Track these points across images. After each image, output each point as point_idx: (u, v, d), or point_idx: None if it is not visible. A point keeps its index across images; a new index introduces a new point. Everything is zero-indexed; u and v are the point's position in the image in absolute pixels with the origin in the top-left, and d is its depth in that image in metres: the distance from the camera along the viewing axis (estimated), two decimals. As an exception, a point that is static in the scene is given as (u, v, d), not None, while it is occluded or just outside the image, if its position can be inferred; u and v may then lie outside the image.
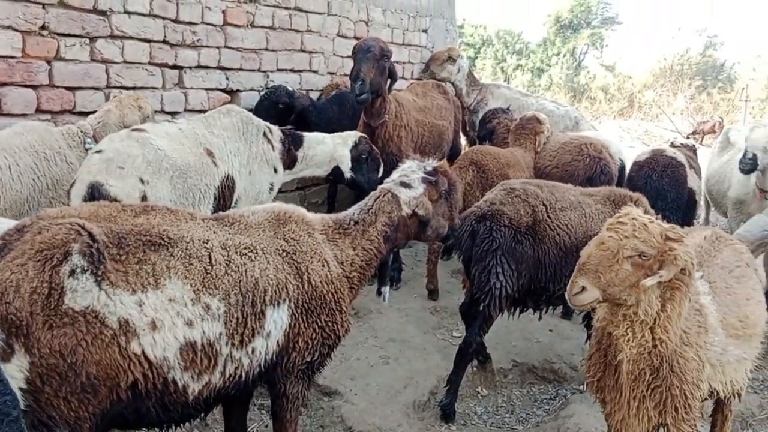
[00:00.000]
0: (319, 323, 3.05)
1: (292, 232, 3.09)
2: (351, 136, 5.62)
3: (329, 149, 5.50)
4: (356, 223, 3.33)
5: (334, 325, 3.12)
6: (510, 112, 7.83)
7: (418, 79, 8.95)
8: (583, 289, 2.90)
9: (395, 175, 3.58)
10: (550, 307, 4.94)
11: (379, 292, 6.17)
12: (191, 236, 2.78)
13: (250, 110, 6.02)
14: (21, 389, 2.31)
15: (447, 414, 4.69)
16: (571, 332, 6.05)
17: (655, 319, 2.97)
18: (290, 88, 6.69)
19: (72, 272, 2.42)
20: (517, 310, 4.88)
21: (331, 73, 7.84)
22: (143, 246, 2.64)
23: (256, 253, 2.91)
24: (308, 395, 4.72)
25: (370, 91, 5.68)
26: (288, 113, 6.50)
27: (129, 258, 2.58)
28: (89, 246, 2.48)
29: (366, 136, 5.76)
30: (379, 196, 3.43)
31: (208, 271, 2.73)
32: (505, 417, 4.97)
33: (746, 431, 4.79)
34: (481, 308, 4.52)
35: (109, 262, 2.51)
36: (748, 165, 5.82)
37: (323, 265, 3.09)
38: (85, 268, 2.44)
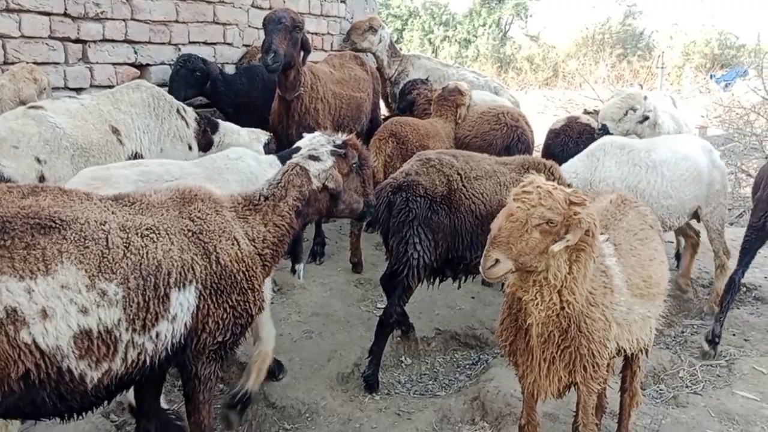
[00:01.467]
0: (230, 303, 2.97)
1: (199, 211, 2.97)
2: (263, 134, 5.59)
3: (244, 141, 5.41)
4: (266, 198, 3.25)
5: (246, 303, 3.04)
6: (429, 83, 7.83)
7: (337, 50, 8.83)
8: (497, 261, 2.92)
9: (303, 149, 3.51)
10: (470, 276, 4.98)
11: (293, 270, 6.12)
12: (86, 218, 2.64)
13: (162, 85, 5.83)
14: None
15: (370, 384, 4.71)
16: (492, 298, 6.15)
17: (562, 282, 3.01)
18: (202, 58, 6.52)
19: None
20: (437, 280, 4.91)
21: (247, 46, 7.65)
22: (31, 229, 2.49)
23: (159, 234, 2.79)
24: (225, 374, 4.68)
25: (282, 62, 5.56)
26: (204, 81, 6.34)
27: (15, 243, 2.43)
28: None
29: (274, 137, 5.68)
30: (287, 170, 3.35)
31: (105, 255, 2.60)
32: (429, 384, 5.03)
33: (658, 385, 4.98)
34: (399, 279, 4.52)
35: None
36: (600, 135, 6.07)
37: (233, 244, 3.00)
38: None
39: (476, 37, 32.34)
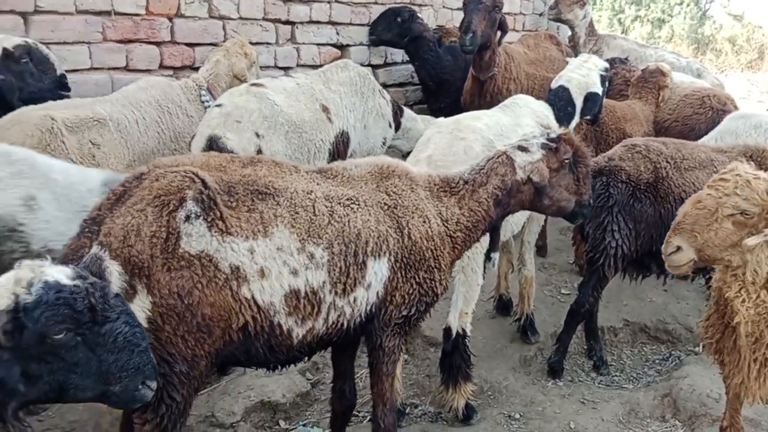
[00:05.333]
0: (417, 279, 3.04)
1: (395, 186, 3.06)
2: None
3: (421, 128, 5.51)
4: (465, 182, 3.23)
5: (432, 282, 3.09)
6: (629, 62, 7.46)
7: (530, 30, 8.69)
8: (678, 248, 2.78)
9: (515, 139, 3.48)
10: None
11: (488, 257, 6.13)
12: (296, 187, 2.84)
13: (360, 64, 6.07)
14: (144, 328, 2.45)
15: (555, 370, 4.67)
16: (687, 293, 5.82)
17: (766, 280, 2.81)
18: (416, 12, 6.69)
19: (187, 218, 2.53)
20: (640, 276, 4.69)
21: (440, 26, 7.73)
22: (251, 195, 2.71)
23: (359, 204, 2.93)
24: (410, 346, 4.84)
25: (479, 43, 5.58)
26: (403, 32, 6.51)
27: (239, 206, 2.66)
28: (201, 193, 2.57)
29: None
30: (493, 158, 3.29)
31: (313, 221, 2.77)
32: (615, 375, 4.88)
33: None
34: (595, 267, 4.41)
35: (222, 208, 2.60)
36: None
37: (424, 221, 3.06)
38: (198, 214, 2.54)
39: (671, 16, 30.29)
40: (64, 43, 4.72)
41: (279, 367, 2.96)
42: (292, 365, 3.05)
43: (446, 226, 3.15)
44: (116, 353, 2.01)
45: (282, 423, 4.08)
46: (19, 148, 3.39)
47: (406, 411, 4.20)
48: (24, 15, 4.60)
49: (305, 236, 2.73)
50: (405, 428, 4.08)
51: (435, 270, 3.09)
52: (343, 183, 3.01)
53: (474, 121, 4.10)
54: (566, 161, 3.32)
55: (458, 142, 3.88)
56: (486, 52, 5.83)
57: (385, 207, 3.00)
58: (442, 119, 4.18)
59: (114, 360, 2.01)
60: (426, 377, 4.54)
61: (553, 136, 3.35)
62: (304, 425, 4.04)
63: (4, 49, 4.15)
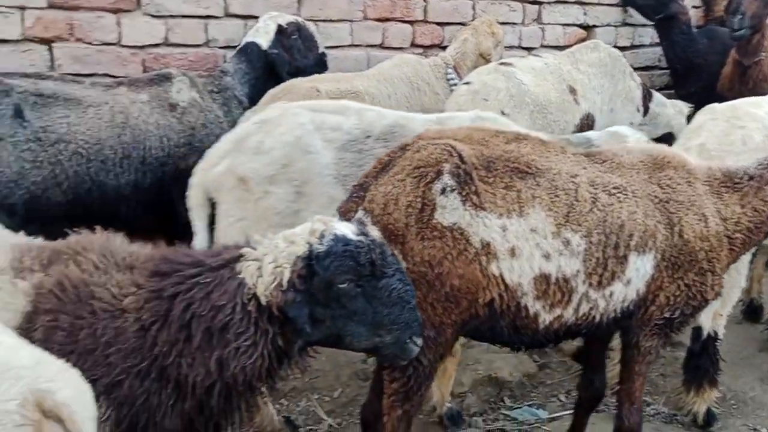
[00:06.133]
0: (686, 281, 2.84)
1: (669, 179, 2.87)
2: (685, 107, 5.32)
3: (670, 114, 5.22)
4: (751, 178, 2.96)
5: (703, 286, 2.87)
6: None
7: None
8: None
9: None
10: None
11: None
12: (559, 169, 2.77)
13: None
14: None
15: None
16: None
17: None
18: None
19: (443, 190, 2.58)
20: None
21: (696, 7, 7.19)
22: (510, 172, 2.70)
23: (626, 194, 2.79)
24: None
25: (749, 26, 5.11)
26: (657, 9, 6.23)
27: (496, 182, 2.67)
28: (458, 167, 2.61)
29: None
30: None
31: (573, 206, 2.69)
32: None
33: None
34: None
35: (478, 183, 2.63)
36: None
37: (700, 219, 2.84)
38: (453, 188, 2.59)
39: None
40: (330, 20, 5.07)
41: (522, 348, 2.98)
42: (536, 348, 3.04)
43: (725, 226, 2.91)
44: (389, 307, 2.14)
45: (506, 400, 4.12)
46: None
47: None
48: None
49: (563, 221, 2.67)
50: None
51: (708, 273, 2.87)
52: (611, 169, 2.87)
53: (754, 107, 3.78)
54: None
55: (736, 131, 3.60)
56: (754, 35, 5.34)
57: (656, 200, 2.82)
58: (716, 105, 3.89)
59: (387, 313, 2.14)
60: (660, 376, 4.34)
61: None
62: (529, 406, 4.04)
63: (279, 26, 4.55)
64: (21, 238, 2.32)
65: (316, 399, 4.01)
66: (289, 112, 3.33)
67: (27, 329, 1.95)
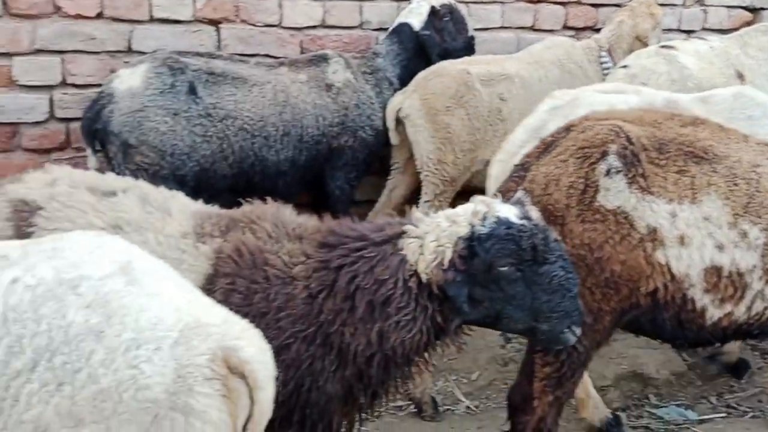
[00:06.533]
0: None
1: None
2: None
3: None
4: None
5: None
6: None
7: None
8: None
9: None
10: None
11: None
12: (740, 157, 2.63)
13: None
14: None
15: None
16: None
17: None
18: None
19: (607, 172, 2.53)
20: None
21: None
22: (684, 156, 2.59)
23: None
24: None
25: None
26: None
27: (668, 165, 2.57)
28: (625, 148, 2.54)
29: None
30: None
31: (754, 197, 2.56)
32: None
33: None
34: None
35: (646, 166, 2.54)
36: None
37: None
38: (619, 169, 2.52)
39: None
40: (480, 2, 5.03)
41: (684, 345, 2.85)
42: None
43: None
44: (549, 293, 2.13)
45: (652, 398, 3.97)
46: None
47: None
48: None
49: (741, 211, 2.55)
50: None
51: None
52: None
53: None
54: None
55: None
56: None
57: None
58: None
59: (547, 299, 2.13)
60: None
61: None
62: (677, 406, 3.87)
63: (432, 7, 4.57)
64: (200, 205, 2.49)
65: (454, 380, 4.05)
66: (581, 98, 3.33)
67: (208, 290, 2.09)
